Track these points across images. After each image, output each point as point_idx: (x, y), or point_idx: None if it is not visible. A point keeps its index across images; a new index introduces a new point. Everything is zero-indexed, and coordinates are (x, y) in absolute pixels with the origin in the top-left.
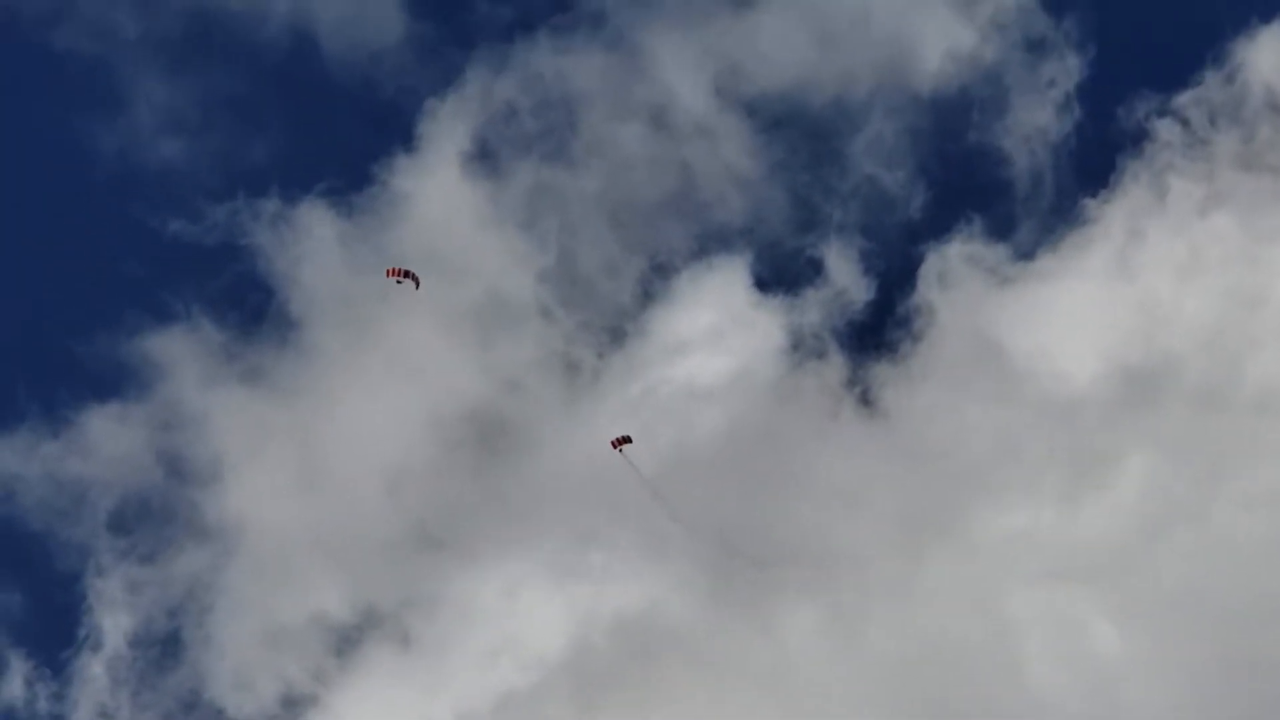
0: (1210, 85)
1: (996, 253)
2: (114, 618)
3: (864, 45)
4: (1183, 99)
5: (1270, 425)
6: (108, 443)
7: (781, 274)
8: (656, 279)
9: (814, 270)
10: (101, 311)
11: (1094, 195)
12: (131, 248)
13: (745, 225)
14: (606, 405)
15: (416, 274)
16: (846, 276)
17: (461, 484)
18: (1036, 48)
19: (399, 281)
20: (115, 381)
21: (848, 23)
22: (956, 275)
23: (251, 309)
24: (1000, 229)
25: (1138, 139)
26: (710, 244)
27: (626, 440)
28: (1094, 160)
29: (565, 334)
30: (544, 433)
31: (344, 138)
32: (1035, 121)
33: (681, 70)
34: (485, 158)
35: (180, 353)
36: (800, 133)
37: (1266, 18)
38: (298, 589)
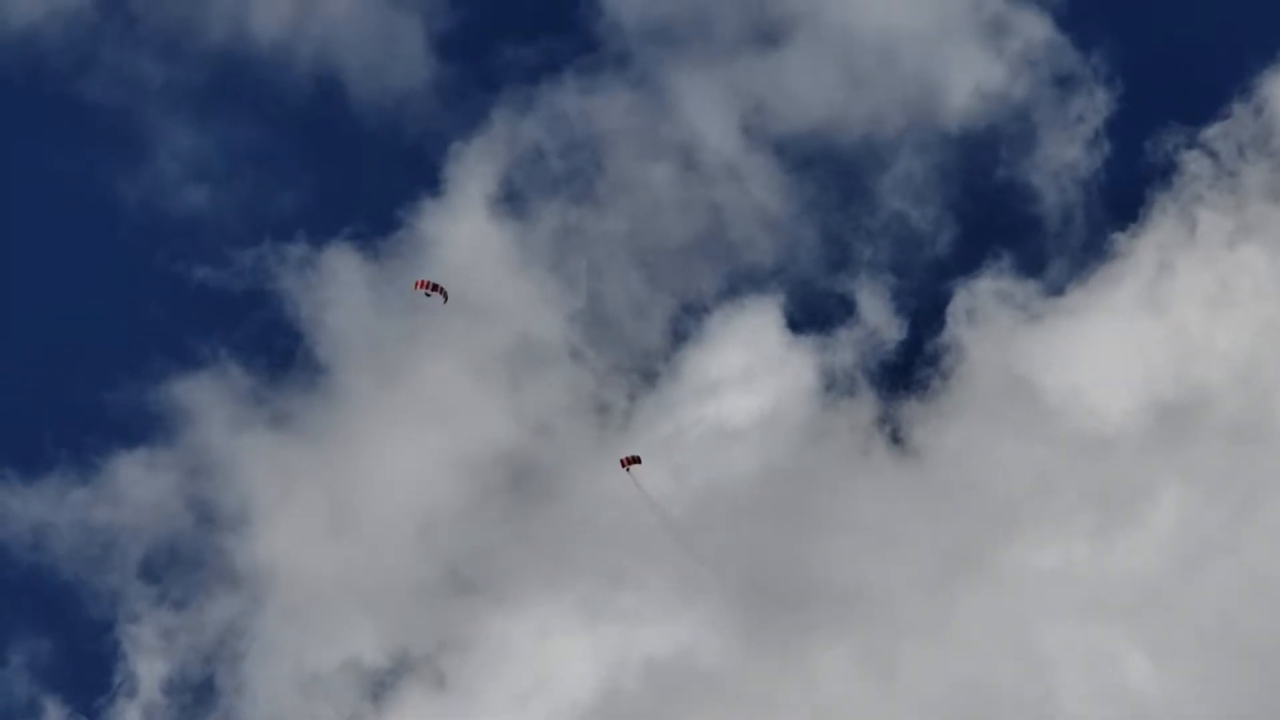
0: (1238, 118)
1: (1026, 289)
2: (148, 664)
3: (892, 82)
4: (1211, 131)
5: None
6: (137, 489)
7: (813, 314)
8: (687, 320)
9: (846, 310)
10: (128, 358)
11: (1123, 229)
12: (157, 294)
13: (776, 265)
14: (638, 447)
15: (444, 289)
16: (879, 316)
17: (493, 527)
18: (1065, 83)
19: (427, 294)
20: (143, 428)
21: (875, 60)
22: (986, 312)
23: (279, 354)
24: (1030, 265)
25: (1166, 172)
26: (741, 284)
27: (635, 460)
28: (1123, 194)
29: (596, 376)
30: (575, 475)
31: (370, 182)
32: (1064, 157)
33: (708, 110)
34: (512, 200)
35: (208, 398)
36: (829, 171)
37: None
38: (330, 634)
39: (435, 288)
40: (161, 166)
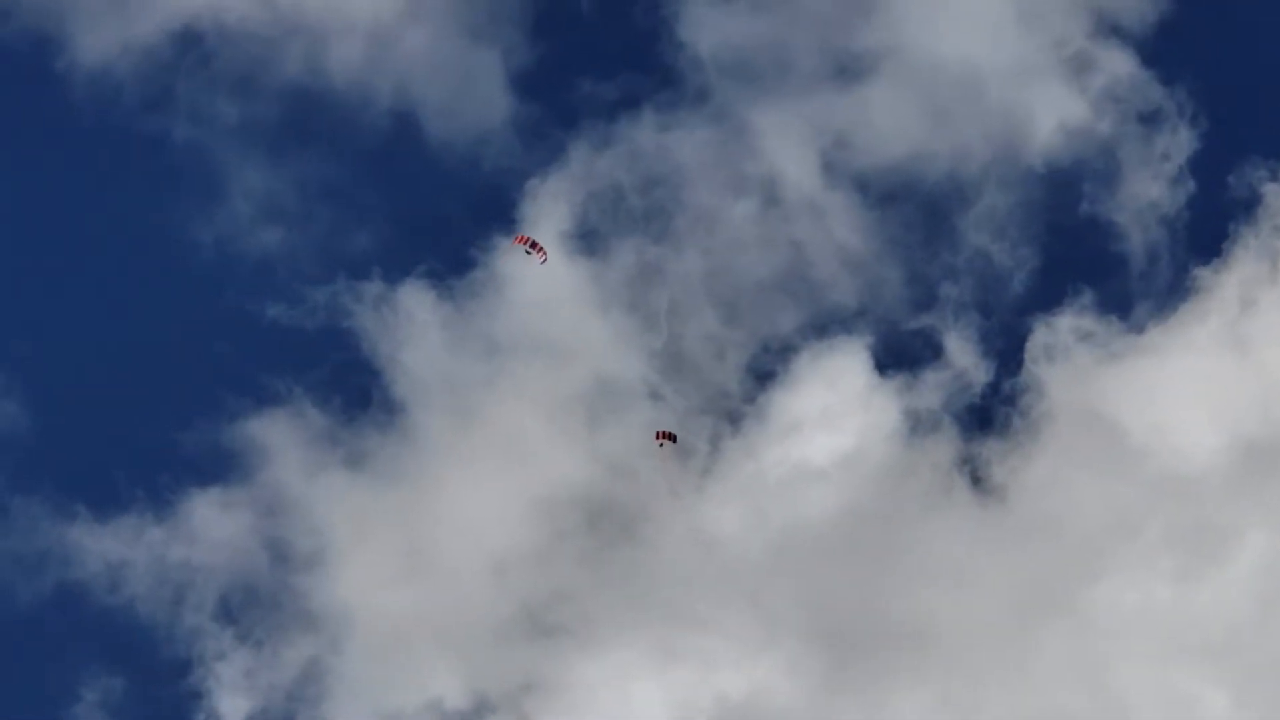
0: None
1: (1107, 326)
2: (229, 702)
3: (975, 118)
4: None
5: None
6: (212, 529)
7: (899, 355)
8: (768, 359)
9: (933, 352)
10: (202, 397)
11: (1206, 264)
12: (231, 333)
13: (860, 304)
14: (717, 488)
15: (544, 247)
16: (965, 357)
17: (570, 569)
18: (1149, 120)
19: (527, 252)
20: (218, 467)
21: (958, 95)
22: (1068, 350)
23: (354, 393)
24: (1111, 302)
25: (1250, 207)
26: (823, 324)
27: (670, 437)
28: (1206, 230)
29: (675, 416)
30: (653, 517)
31: (446, 220)
32: (1148, 195)
33: (789, 145)
34: (589, 237)
35: (283, 437)
36: (912, 207)
37: None
38: (411, 675)
39: (535, 245)
40: (235, 206)
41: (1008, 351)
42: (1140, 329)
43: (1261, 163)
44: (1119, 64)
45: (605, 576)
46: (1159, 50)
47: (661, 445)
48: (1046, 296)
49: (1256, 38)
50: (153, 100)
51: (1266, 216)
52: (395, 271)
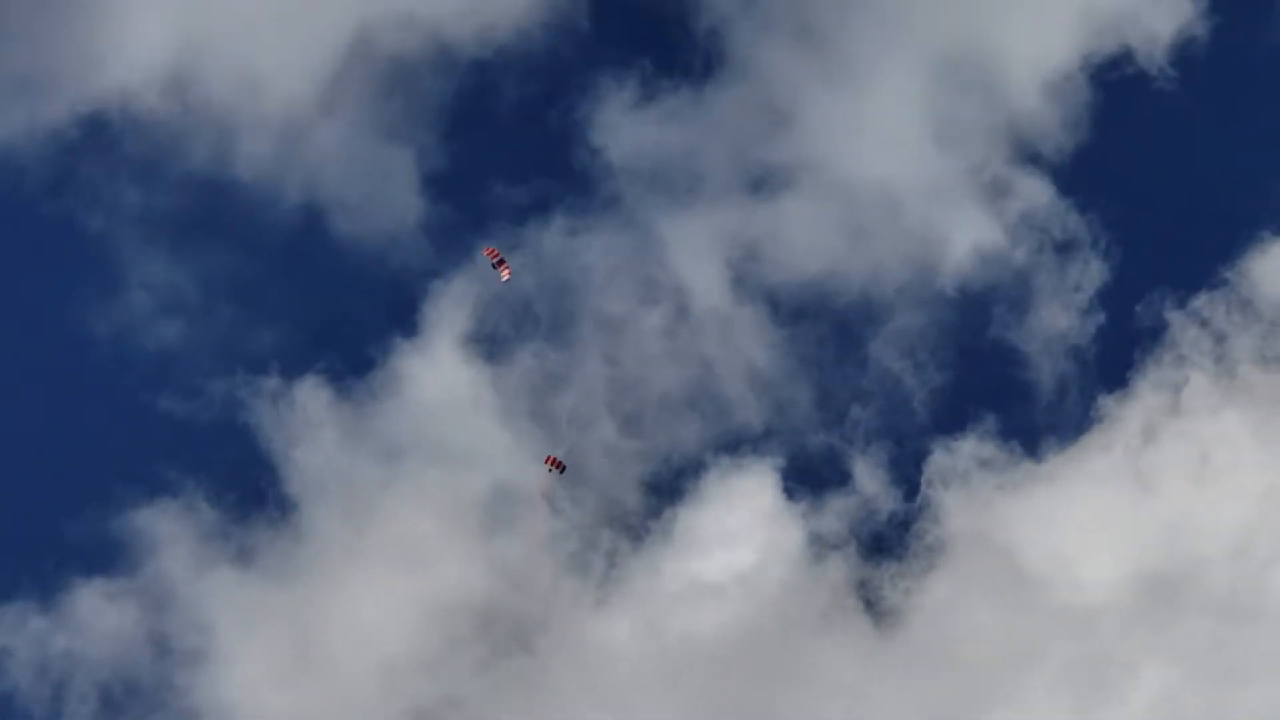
0: (1230, 285)
1: (1010, 453)
2: None
3: (891, 237)
4: (1200, 299)
5: None
6: (97, 619)
7: (806, 479)
8: (669, 476)
9: (840, 478)
10: (91, 487)
11: (1110, 393)
12: (123, 423)
13: (767, 424)
14: (614, 601)
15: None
16: (873, 484)
17: (462, 676)
18: (1064, 249)
19: (493, 266)
20: (105, 557)
21: (874, 214)
22: (967, 475)
23: (247, 488)
24: (1014, 429)
25: (1156, 338)
26: (731, 442)
27: (559, 466)
28: (1112, 360)
29: (573, 527)
30: (549, 628)
31: (348, 318)
32: (1058, 324)
33: (698, 256)
34: (492, 341)
35: (172, 530)
36: (824, 326)
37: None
38: None
39: (502, 262)
40: (134, 296)
41: (912, 475)
42: (1040, 457)
43: (1170, 294)
44: (1036, 191)
45: (497, 685)
46: (1075, 179)
47: (551, 471)
48: (950, 421)
49: (1170, 168)
50: (55, 184)
51: (1172, 351)
52: (294, 368)
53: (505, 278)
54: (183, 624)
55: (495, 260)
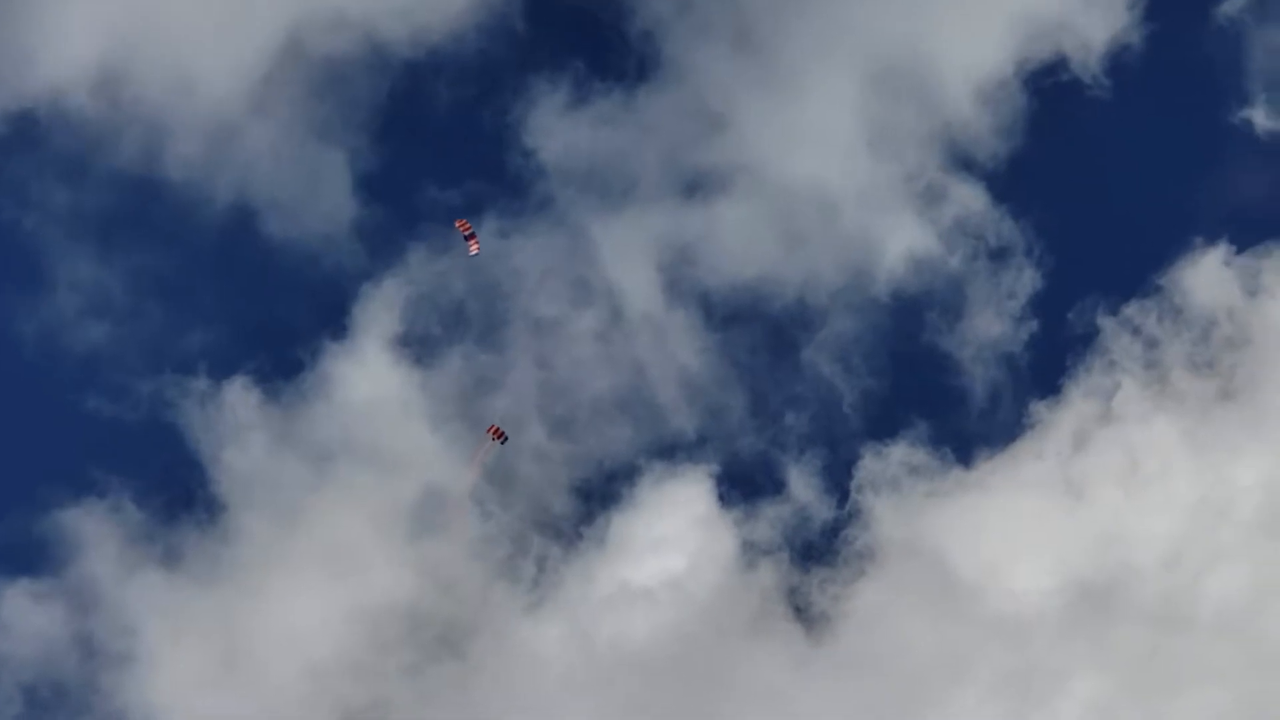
0: (1162, 293)
1: (941, 459)
2: None
3: (826, 242)
4: (1132, 307)
5: (1223, 644)
6: (20, 620)
7: (740, 485)
8: (600, 479)
9: (774, 486)
10: (15, 487)
11: (1042, 400)
12: (48, 423)
13: (701, 430)
14: (544, 606)
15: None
16: (807, 492)
17: (391, 680)
18: (997, 256)
19: (465, 237)
20: (29, 558)
21: (809, 219)
22: (896, 481)
23: (175, 489)
24: (945, 435)
25: (1088, 345)
26: (664, 448)
27: (501, 436)
28: (1044, 367)
29: (503, 532)
30: (478, 632)
31: (277, 319)
32: (990, 331)
33: (631, 259)
34: (421, 343)
35: (98, 531)
36: (758, 331)
37: (1212, 237)
38: None
39: (472, 236)
40: (61, 296)
41: (844, 482)
42: (972, 464)
43: (1102, 302)
44: (970, 198)
45: (426, 689)
46: (1009, 186)
47: (494, 441)
48: (881, 427)
49: (1103, 176)
50: None
51: (1103, 352)
52: (222, 369)
53: (474, 251)
54: (109, 626)
55: (467, 234)
